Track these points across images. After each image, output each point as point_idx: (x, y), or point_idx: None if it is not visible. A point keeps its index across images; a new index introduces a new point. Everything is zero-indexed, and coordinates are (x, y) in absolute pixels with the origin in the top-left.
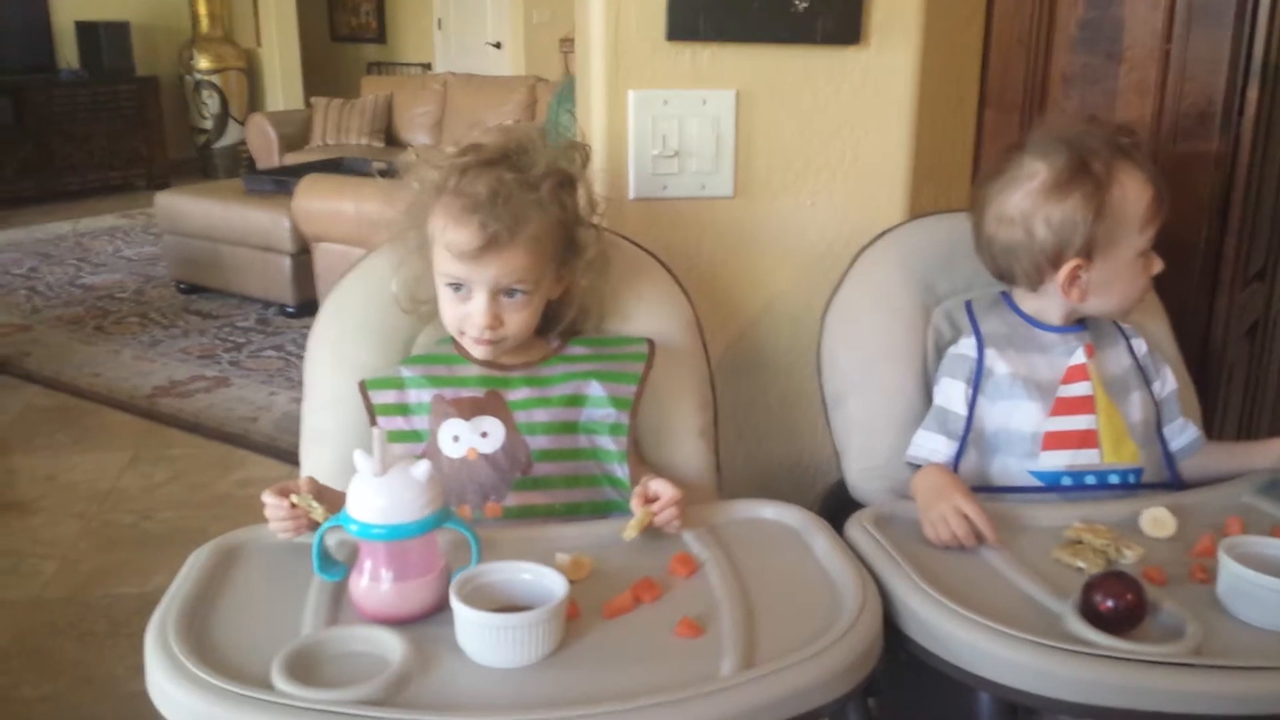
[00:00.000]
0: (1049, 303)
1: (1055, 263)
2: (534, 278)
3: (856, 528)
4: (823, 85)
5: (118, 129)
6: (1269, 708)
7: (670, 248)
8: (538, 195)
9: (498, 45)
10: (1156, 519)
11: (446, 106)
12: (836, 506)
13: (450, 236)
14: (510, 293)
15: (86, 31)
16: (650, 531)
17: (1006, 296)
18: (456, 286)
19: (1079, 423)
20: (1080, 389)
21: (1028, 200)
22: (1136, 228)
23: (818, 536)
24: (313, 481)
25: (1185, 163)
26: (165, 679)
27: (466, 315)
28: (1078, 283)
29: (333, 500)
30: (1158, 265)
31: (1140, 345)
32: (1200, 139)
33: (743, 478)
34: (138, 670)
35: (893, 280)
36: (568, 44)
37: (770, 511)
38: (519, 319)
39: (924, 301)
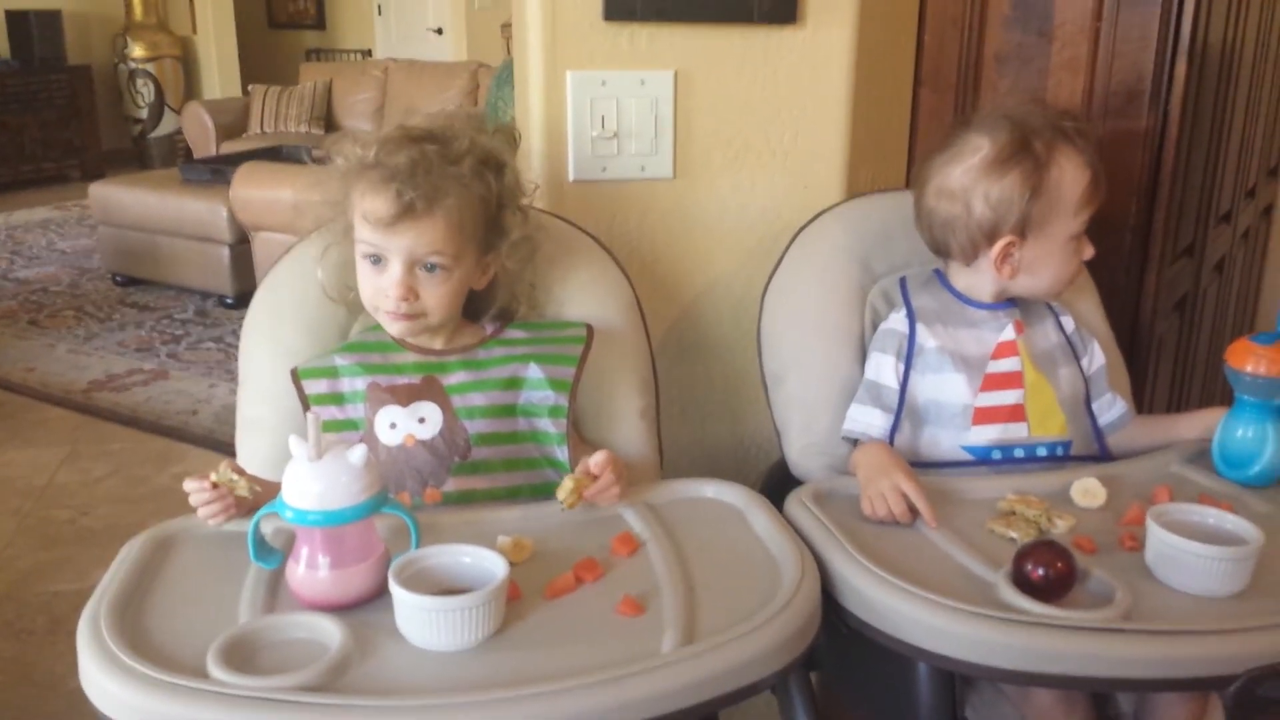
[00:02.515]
0: (981, 279)
1: (990, 238)
2: (452, 252)
3: (796, 504)
4: (760, 65)
5: (50, 119)
6: (1195, 670)
7: (610, 229)
8: (458, 170)
9: (439, 31)
10: (1087, 489)
11: (387, 93)
12: (778, 484)
13: (367, 205)
14: (429, 267)
15: (17, 20)
16: (592, 511)
17: (940, 274)
18: (375, 259)
19: (1007, 398)
20: (1009, 365)
21: (968, 175)
22: (1071, 210)
23: (758, 514)
24: (232, 461)
25: (1115, 140)
26: (99, 671)
27: (380, 288)
28: (1010, 260)
29: (269, 490)
30: (1089, 251)
31: (1069, 322)
32: (1130, 116)
33: (687, 458)
34: (76, 667)
35: (830, 260)
36: (509, 29)
37: (711, 490)
38: (436, 295)
39: (861, 280)
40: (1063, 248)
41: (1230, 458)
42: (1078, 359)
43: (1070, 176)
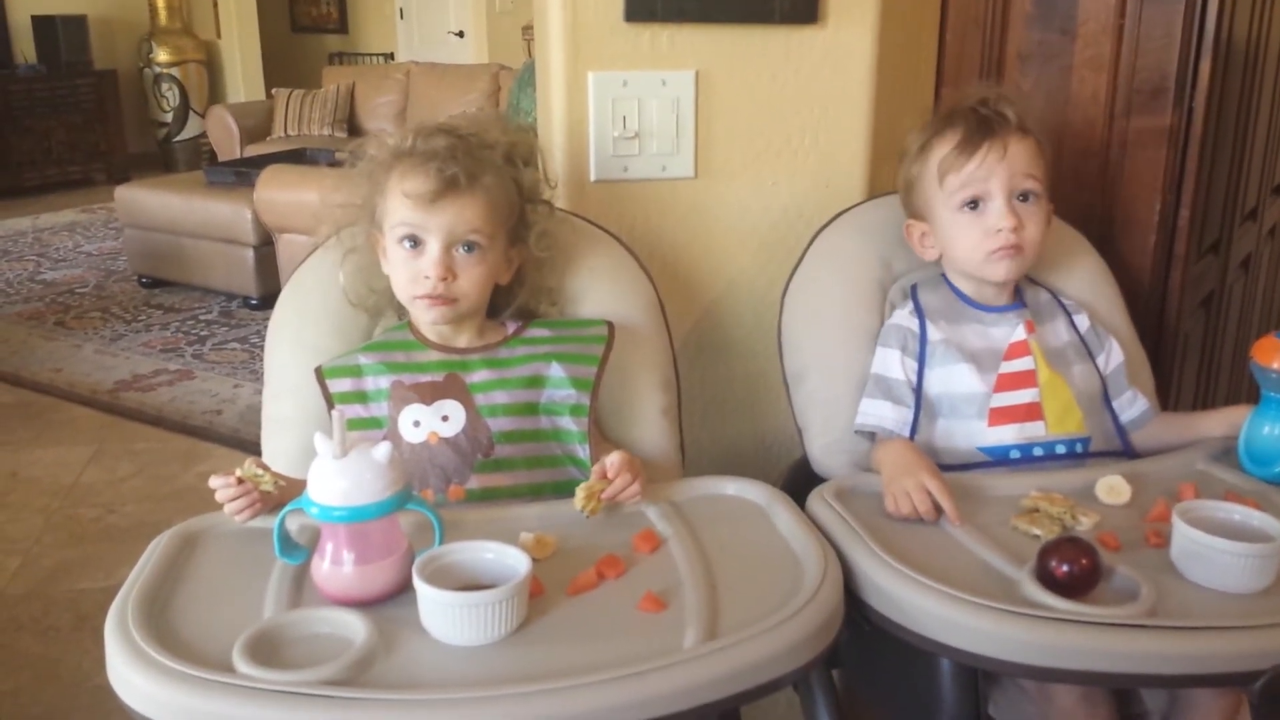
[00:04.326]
0: (950, 270)
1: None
2: (489, 231)
3: (818, 501)
4: (782, 65)
5: (76, 124)
6: (1220, 666)
7: (632, 229)
8: (492, 154)
9: (460, 34)
10: (1112, 486)
11: (409, 96)
12: (800, 482)
13: (408, 185)
14: (467, 247)
15: (43, 25)
16: (614, 508)
17: (945, 277)
18: (413, 241)
19: (1022, 396)
20: (1022, 364)
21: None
22: (938, 182)
23: (780, 510)
24: (257, 459)
25: (1139, 138)
26: (126, 666)
27: (418, 270)
28: (927, 242)
29: (294, 487)
30: (1003, 220)
31: (1082, 321)
32: (1154, 114)
33: (708, 456)
34: (102, 664)
35: (851, 259)
36: (530, 32)
37: (733, 487)
38: (471, 276)
39: (881, 279)
40: (953, 222)
41: (1256, 455)
42: (1093, 357)
43: (935, 151)
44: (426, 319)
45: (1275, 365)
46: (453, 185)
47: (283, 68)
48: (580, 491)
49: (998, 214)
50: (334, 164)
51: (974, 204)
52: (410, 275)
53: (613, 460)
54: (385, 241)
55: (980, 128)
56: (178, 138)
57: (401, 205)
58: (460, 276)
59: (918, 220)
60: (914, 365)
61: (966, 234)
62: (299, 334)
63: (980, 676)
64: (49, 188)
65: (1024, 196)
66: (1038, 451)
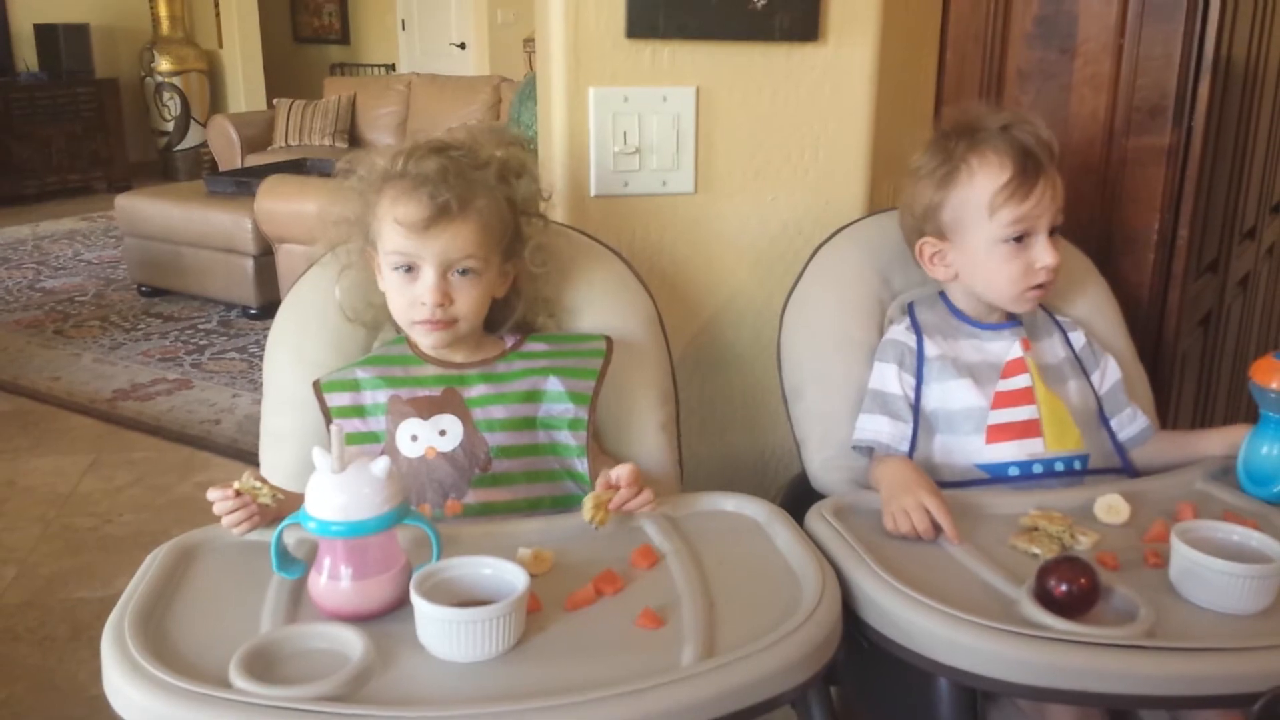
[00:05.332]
0: (953, 290)
1: (916, 240)
2: (483, 255)
3: (816, 518)
4: (782, 82)
5: (77, 132)
6: (1219, 688)
7: (632, 244)
8: (485, 174)
9: (462, 46)
10: (1111, 506)
11: (411, 107)
12: (798, 498)
13: (400, 211)
14: (460, 271)
15: (45, 33)
16: (612, 524)
17: (943, 295)
18: (406, 269)
19: (1021, 414)
20: (1020, 381)
21: (907, 186)
22: (985, 212)
23: (778, 527)
24: (255, 470)
25: (1139, 156)
26: (122, 679)
27: (415, 297)
28: (940, 261)
29: (292, 501)
30: (1044, 257)
31: (1078, 339)
32: (1153, 133)
33: (706, 471)
34: (99, 674)
35: (850, 275)
36: (532, 44)
37: (731, 503)
38: (468, 299)
39: (880, 295)
40: (988, 252)
41: (1255, 475)
42: (1087, 375)
43: (983, 177)
44: (426, 343)
45: (1274, 385)
46: (445, 212)
47: (284, 78)
48: (588, 501)
49: (1041, 249)
50: (327, 175)
51: (1019, 238)
52: (407, 301)
53: (619, 472)
54: (380, 259)
55: (1031, 160)
56: (178, 147)
57: (394, 232)
58: (457, 300)
59: (934, 239)
60: (911, 381)
61: (1006, 267)
62: (298, 347)
63: (978, 696)
64: (49, 195)
65: (1057, 230)
66: (1037, 469)
